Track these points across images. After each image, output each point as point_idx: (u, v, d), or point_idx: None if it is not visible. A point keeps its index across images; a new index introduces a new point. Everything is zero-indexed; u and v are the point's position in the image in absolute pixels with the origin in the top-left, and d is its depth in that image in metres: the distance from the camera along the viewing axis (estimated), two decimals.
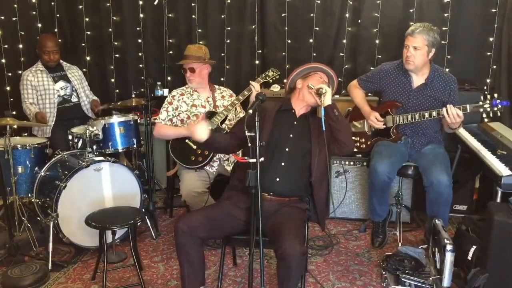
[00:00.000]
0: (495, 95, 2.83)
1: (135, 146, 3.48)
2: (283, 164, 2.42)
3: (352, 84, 3.44)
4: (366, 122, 3.40)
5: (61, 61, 3.98)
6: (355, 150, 3.53)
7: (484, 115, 2.88)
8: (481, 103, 2.82)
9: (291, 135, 2.48)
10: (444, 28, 3.87)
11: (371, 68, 3.86)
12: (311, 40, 4.19)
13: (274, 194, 2.40)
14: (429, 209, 2.97)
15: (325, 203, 2.55)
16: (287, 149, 2.45)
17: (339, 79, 4.19)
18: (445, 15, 3.87)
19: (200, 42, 4.24)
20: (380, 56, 4.03)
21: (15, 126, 3.36)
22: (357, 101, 3.36)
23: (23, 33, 4.51)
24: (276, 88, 3.93)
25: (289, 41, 4.24)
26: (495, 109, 2.79)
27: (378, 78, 3.27)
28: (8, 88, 4.54)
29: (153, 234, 3.35)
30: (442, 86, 3.07)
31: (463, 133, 3.35)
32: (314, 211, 2.49)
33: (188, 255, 2.26)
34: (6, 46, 4.48)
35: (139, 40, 4.50)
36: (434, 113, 2.94)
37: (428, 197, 2.95)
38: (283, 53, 4.27)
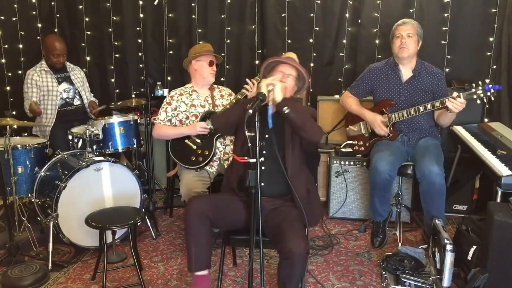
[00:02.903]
0: (487, 80, 2.85)
1: (135, 146, 3.48)
2: (263, 168, 2.37)
3: (344, 95, 3.47)
4: (362, 124, 3.42)
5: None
6: (354, 151, 3.55)
7: (478, 102, 2.90)
8: (473, 90, 2.84)
9: (266, 136, 2.39)
10: (444, 28, 3.87)
11: None
12: (311, 40, 4.19)
13: (265, 197, 2.38)
14: (423, 201, 2.96)
15: (309, 198, 2.45)
16: (264, 152, 2.38)
17: (339, 79, 4.20)
18: (445, 15, 3.87)
19: (200, 42, 4.23)
20: (380, 56, 4.03)
21: (15, 126, 3.36)
22: (354, 108, 3.38)
23: (23, 33, 4.51)
24: None
25: (289, 41, 4.24)
26: (488, 93, 2.83)
27: (368, 78, 3.31)
28: (8, 88, 4.55)
29: (153, 234, 3.35)
30: (430, 78, 3.15)
31: (463, 133, 3.35)
32: (299, 205, 2.38)
33: (197, 236, 2.29)
34: (6, 46, 4.48)
35: (139, 40, 4.50)
36: (429, 106, 2.99)
37: (421, 189, 2.96)
38: (283, 53, 4.27)
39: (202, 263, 2.35)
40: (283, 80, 2.44)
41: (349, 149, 3.57)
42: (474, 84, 2.89)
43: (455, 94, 2.86)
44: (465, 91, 3.58)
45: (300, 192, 2.38)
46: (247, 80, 3.20)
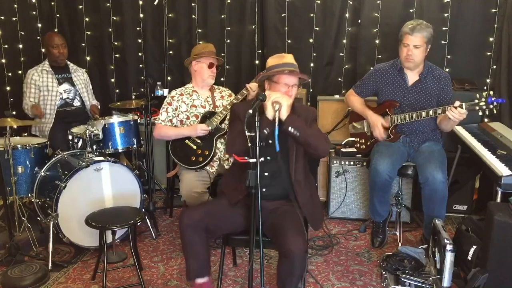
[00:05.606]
0: (491, 92, 2.83)
1: (135, 146, 3.48)
2: (266, 174, 2.36)
3: (349, 93, 3.45)
4: (366, 122, 3.41)
5: (67, 62, 3.96)
6: (355, 150, 3.55)
7: (480, 113, 2.88)
8: (476, 101, 2.83)
9: (270, 141, 2.33)
10: (444, 28, 3.87)
11: (371, 68, 3.86)
12: (311, 40, 4.19)
13: (266, 200, 2.37)
14: (425, 206, 2.97)
15: (313, 202, 2.47)
16: (268, 158, 2.36)
17: (339, 79, 4.20)
18: (445, 15, 3.87)
19: (200, 42, 4.24)
20: (380, 56, 4.03)
21: (15, 126, 3.36)
22: (357, 107, 3.37)
23: (23, 33, 4.52)
24: None
25: (289, 41, 4.24)
26: (491, 106, 2.80)
27: (373, 79, 3.29)
28: (8, 88, 4.55)
29: (153, 234, 3.35)
30: (436, 82, 3.11)
31: (463, 133, 3.35)
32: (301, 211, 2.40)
33: (192, 247, 2.28)
34: (6, 46, 4.48)
35: (139, 40, 4.51)
36: (431, 112, 2.97)
37: (423, 194, 2.96)
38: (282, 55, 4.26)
39: (200, 272, 2.34)
40: (289, 94, 2.36)
41: (350, 149, 3.57)
42: (478, 95, 2.85)
43: (457, 103, 2.82)
44: (466, 91, 3.62)
45: (303, 197, 2.39)
46: (247, 86, 3.21)
